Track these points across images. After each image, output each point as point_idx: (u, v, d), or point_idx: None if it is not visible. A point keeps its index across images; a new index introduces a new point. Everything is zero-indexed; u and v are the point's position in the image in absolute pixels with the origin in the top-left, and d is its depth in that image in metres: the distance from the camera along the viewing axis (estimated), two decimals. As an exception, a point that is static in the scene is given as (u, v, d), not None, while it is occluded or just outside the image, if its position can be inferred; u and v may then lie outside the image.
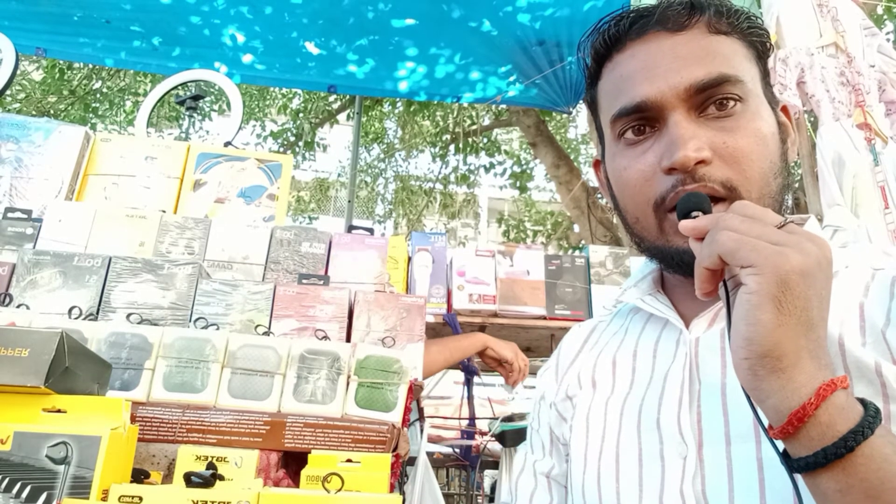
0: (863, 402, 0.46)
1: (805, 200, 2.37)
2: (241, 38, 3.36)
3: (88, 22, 3.20)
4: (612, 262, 2.07)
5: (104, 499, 0.65)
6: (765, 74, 0.69)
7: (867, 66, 2.21)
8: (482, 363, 1.96)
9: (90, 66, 6.41)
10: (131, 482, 0.70)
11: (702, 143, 0.61)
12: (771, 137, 0.64)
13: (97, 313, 1.09)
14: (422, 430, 1.83)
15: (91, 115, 7.11)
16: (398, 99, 6.87)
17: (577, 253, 2.96)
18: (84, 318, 1.05)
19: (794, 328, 0.46)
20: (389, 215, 9.16)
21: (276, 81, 4.75)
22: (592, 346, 0.79)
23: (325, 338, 1.10)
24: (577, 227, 6.64)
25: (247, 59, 3.47)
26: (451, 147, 7.57)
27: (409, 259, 2.01)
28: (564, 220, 8.36)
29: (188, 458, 0.79)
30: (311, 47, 3.42)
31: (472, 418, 2.28)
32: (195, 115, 7.29)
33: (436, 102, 6.16)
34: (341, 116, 7.61)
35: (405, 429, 1.02)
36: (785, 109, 0.70)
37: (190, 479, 0.68)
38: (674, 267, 0.67)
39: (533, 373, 1.86)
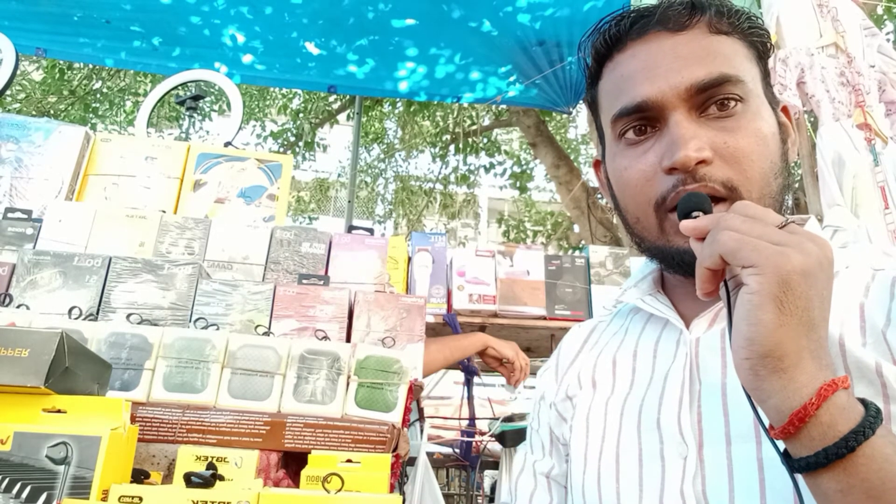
0: (864, 402, 0.46)
1: (805, 200, 2.37)
2: (241, 39, 3.36)
3: (88, 22, 3.20)
4: (612, 263, 2.07)
5: (104, 499, 0.65)
6: (765, 75, 0.69)
7: (867, 66, 2.21)
8: (482, 363, 1.96)
9: (90, 66, 6.41)
10: (131, 482, 0.70)
11: (703, 143, 0.61)
12: (771, 137, 0.64)
13: (97, 313, 1.09)
14: (422, 430, 1.83)
15: (91, 115, 7.11)
16: (398, 99, 6.87)
17: (577, 253, 2.96)
18: (84, 319, 1.04)
19: (796, 328, 0.46)
20: (389, 215, 9.16)
21: (276, 81, 4.75)
22: (592, 346, 0.79)
23: (325, 338, 1.10)
24: (577, 228, 6.64)
25: (247, 59, 3.47)
26: (451, 147, 7.57)
27: (409, 259, 2.01)
28: (564, 221, 8.36)
29: (188, 458, 0.79)
30: (311, 47, 3.42)
31: (472, 418, 2.28)
32: (195, 115, 7.29)
33: (436, 102, 6.16)
34: (341, 116, 7.61)
35: (405, 429, 1.02)
36: (785, 110, 0.70)
37: (190, 480, 0.68)
38: (674, 267, 0.67)
39: (533, 373, 1.86)
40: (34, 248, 1.19)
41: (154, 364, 0.98)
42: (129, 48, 3.38)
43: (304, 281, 1.21)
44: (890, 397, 0.53)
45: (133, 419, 0.88)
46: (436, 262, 1.99)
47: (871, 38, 2.31)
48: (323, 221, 11.79)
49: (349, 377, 1.02)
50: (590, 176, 5.61)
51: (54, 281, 1.11)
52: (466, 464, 2.45)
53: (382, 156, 8.68)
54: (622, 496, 0.63)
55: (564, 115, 6.79)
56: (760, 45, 0.68)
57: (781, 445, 0.48)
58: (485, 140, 7.55)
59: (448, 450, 2.51)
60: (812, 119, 2.35)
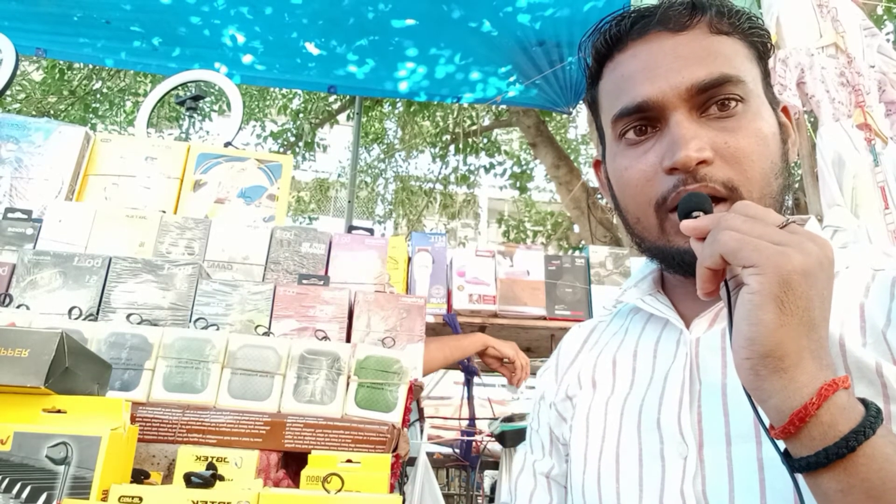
0: (864, 402, 0.46)
1: (805, 200, 2.38)
2: (241, 39, 3.36)
3: (88, 22, 3.20)
4: (612, 263, 2.07)
5: (104, 499, 0.65)
6: (766, 75, 0.69)
7: (867, 66, 2.21)
8: (483, 364, 1.96)
9: (90, 66, 6.41)
10: (131, 482, 0.70)
11: (703, 144, 0.61)
12: (772, 138, 0.64)
13: (97, 314, 1.09)
14: (422, 430, 1.83)
15: (91, 115, 7.11)
16: (398, 99, 6.87)
17: (577, 253, 2.96)
18: (84, 319, 1.04)
19: (796, 328, 0.46)
20: (389, 215, 9.16)
21: (276, 82, 4.75)
22: (592, 346, 0.79)
23: (325, 338, 1.10)
24: (577, 228, 6.64)
25: (247, 59, 3.47)
26: (451, 147, 7.57)
27: (409, 259, 2.01)
28: (564, 221, 8.36)
29: (188, 458, 0.79)
30: (311, 48, 3.42)
31: (472, 418, 2.28)
32: (195, 115, 7.29)
33: (436, 103, 6.16)
34: (341, 117, 7.61)
35: (405, 429, 1.02)
36: (785, 110, 0.70)
37: (190, 480, 0.68)
38: (675, 267, 0.67)
39: (533, 373, 1.86)
40: (34, 248, 1.19)
41: (154, 364, 0.98)
42: (129, 48, 3.38)
43: (304, 281, 1.21)
44: (890, 397, 0.53)
45: (133, 419, 0.88)
46: (436, 262, 1.99)
47: (871, 38, 2.31)
48: (323, 221, 11.79)
49: (349, 377, 1.02)
50: (590, 176, 5.61)
51: (54, 281, 1.11)
52: (466, 464, 2.45)
53: (382, 156, 8.68)
54: (622, 496, 0.63)
55: (564, 116, 6.78)
56: (761, 46, 0.68)
57: (782, 445, 0.48)
58: (485, 140, 7.55)
59: (448, 450, 2.51)
60: (812, 119, 2.35)
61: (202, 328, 1.07)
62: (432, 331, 1.93)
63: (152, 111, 1.77)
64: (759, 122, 0.63)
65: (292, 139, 7.18)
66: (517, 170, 7.91)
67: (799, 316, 0.46)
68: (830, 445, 0.44)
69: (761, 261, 0.47)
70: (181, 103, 7.05)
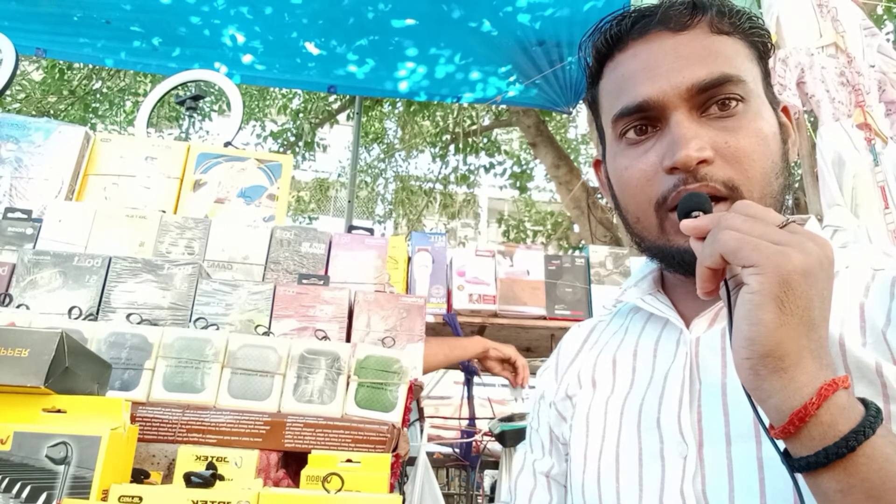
0: (864, 401, 0.46)
1: (805, 200, 2.38)
2: (241, 39, 3.36)
3: (88, 22, 3.20)
4: (612, 262, 2.07)
5: (104, 499, 0.65)
6: (766, 75, 0.69)
7: (867, 66, 2.21)
8: (483, 367, 1.95)
9: (90, 66, 6.41)
10: (131, 482, 0.70)
11: (704, 143, 0.61)
12: (772, 137, 0.64)
13: (97, 313, 1.09)
14: (422, 430, 1.83)
15: (91, 115, 7.11)
16: (398, 99, 6.87)
17: (577, 253, 2.96)
18: (84, 319, 1.04)
19: (796, 328, 0.46)
20: (389, 215, 9.16)
21: (276, 82, 4.75)
22: (592, 345, 0.79)
23: (325, 338, 1.10)
24: (577, 227, 6.64)
25: (247, 59, 3.47)
26: (451, 147, 7.57)
27: (409, 259, 2.01)
28: (564, 220, 8.36)
29: (188, 458, 0.79)
30: (311, 47, 3.42)
31: (472, 418, 2.28)
32: (195, 115, 7.29)
33: (436, 102, 6.16)
34: (341, 116, 7.61)
35: (405, 429, 1.02)
36: (785, 110, 0.70)
37: (190, 479, 0.68)
38: (675, 266, 0.67)
39: (533, 373, 1.86)
40: (34, 248, 1.19)
41: (154, 364, 0.98)
42: (129, 48, 3.38)
43: (304, 281, 1.21)
44: (890, 397, 0.53)
45: (133, 419, 0.88)
46: (436, 261, 1.99)
47: (871, 38, 2.31)
48: (323, 221, 11.80)
49: (349, 377, 1.02)
50: (590, 176, 5.61)
51: (54, 281, 1.11)
52: (466, 464, 2.45)
53: (382, 156, 8.68)
54: (622, 495, 0.63)
55: (564, 115, 6.79)
56: (761, 46, 0.68)
57: (781, 445, 0.48)
58: (485, 140, 7.55)
59: (448, 450, 2.51)
60: (812, 119, 2.35)
61: (202, 328, 1.07)
62: (432, 331, 1.93)
63: (152, 111, 1.77)
64: (760, 121, 0.63)
65: (292, 139, 7.18)
66: (517, 170, 7.91)
67: (799, 316, 0.46)
68: (830, 445, 0.44)
69: (761, 260, 0.47)
70: (181, 103, 7.05)
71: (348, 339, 1.16)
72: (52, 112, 6.45)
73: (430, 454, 2.02)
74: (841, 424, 0.44)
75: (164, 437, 0.91)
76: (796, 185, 3.27)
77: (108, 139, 1.46)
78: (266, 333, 1.07)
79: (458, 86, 3.67)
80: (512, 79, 3.58)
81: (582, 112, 6.57)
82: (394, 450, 0.95)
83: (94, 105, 7.18)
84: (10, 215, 1.25)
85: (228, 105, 2.31)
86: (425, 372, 1.36)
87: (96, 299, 1.11)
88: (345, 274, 1.30)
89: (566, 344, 0.84)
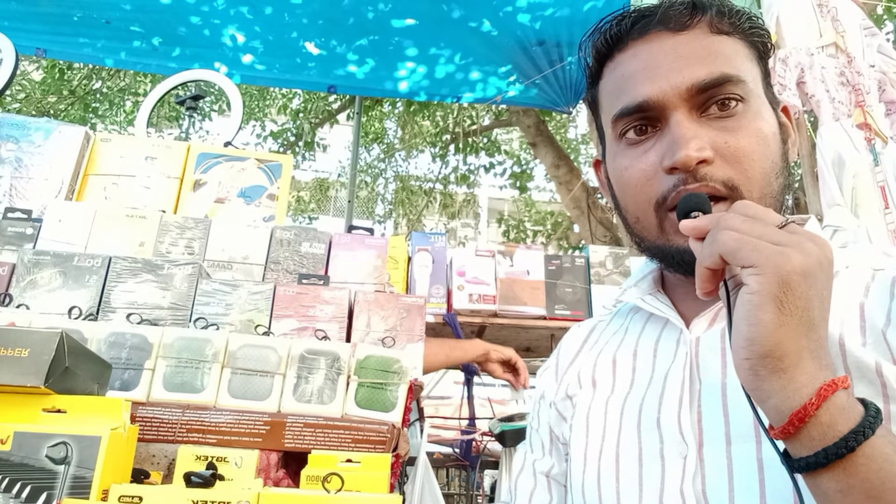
0: (863, 402, 0.46)
1: (805, 200, 2.37)
2: (241, 39, 3.36)
3: (88, 22, 3.20)
4: (612, 262, 2.07)
5: (104, 499, 0.65)
6: (766, 75, 0.69)
7: (867, 66, 2.21)
8: (483, 370, 1.95)
9: (90, 66, 6.41)
10: (131, 482, 0.70)
11: (703, 143, 0.61)
12: (772, 137, 0.64)
13: (97, 313, 1.09)
14: (422, 430, 1.83)
15: (91, 115, 7.11)
16: (398, 99, 6.87)
17: (577, 253, 2.96)
18: (84, 318, 1.04)
19: (796, 328, 0.46)
20: (389, 215, 9.16)
21: (276, 82, 4.75)
22: (592, 345, 0.79)
23: (325, 338, 1.10)
24: (577, 227, 6.64)
25: (247, 59, 3.46)
26: (451, 147, 7.57)
27: (409, 259, 2.01)
28: (564, 220, 8.36)
29: (188, 458, 0.79)
30: (311, 47, 3.42)
31: (472, 418, 2.28)
32: (195, 115, 7.29)
33: (436, 102, 6.16)
34: (341, 116, 7.61)
35: (405, 429, 1.02)
36: (785, 110, 0.70)
37: (190, 479, 0.68)
38: (674, 266, 0.67)
39: (533, 373, 1.86)
40: (34, 248, 1.19)
41: (154, 364, 0.98)
42: (129, 48, 3.38)
43: (304, 281, 1.21)
44: (890, 397, 0.53)
45: (133, 419, 0.88)
46: (436, 261, 1.99)
47: (871, 37, 2.31)
48: (323, 221, 11.79)
49: (349, 377, 1.02)
50: (590, 176, 5.61)
51: (54, 281, 1.11)
52: (466, 464, 2.45)
53: (382, 156, 8.68)
54: (622, 495, 0.63)
55: (564, 115, 6.79)
56: (761, 46, 0.68)
57: (781, 445, 0.48)
58: (485, 140, 7.55)
59: (448, 450, 2.51)
60: (812, 119, 2.35)
61: (202, 328, 1.07)
62: (432, 331, 1.93)
63: (152, 111, 1.77)
64: (760, 121, 0.63)
65: (292, 139, 7.18)
66: (517, 169, 7.91)
67: (798, 316, 0.46)
68: (830, 446, 0.44)
69: (760, 261, 0.47)
70: (181, 103, 7.05)
71: (348, 339, 1.16)
72: (52, 112, 6.45)
73: (430, 454, 2.02)
74: (840, 425, 0.44)
75: (164, 437, 0.91)
76: (796, 185, 3.27)
77: (108, 139, 1.46)
78: (266, 333, 1.07)
79: (458, 86, 3.67)
80: (512, 79, 3.58)
81: (582, 112, 6.57)
82: (394, 450, 0.95)
83: (94, 105, 7.18)
84: (10, 215, 1.25)
85: (228, 105, 2.31)
86: (425, 372, 1.36)
87: (96, 299, 1.11)
88: (345, 274, 1.30)
89: (566, 344, 0.84)
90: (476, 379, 2.24)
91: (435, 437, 2.46)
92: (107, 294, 1.11)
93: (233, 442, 0.91)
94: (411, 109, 7.17)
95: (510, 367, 1.87)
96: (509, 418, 2.03)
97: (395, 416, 1.01)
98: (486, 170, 7.76)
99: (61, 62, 6.31)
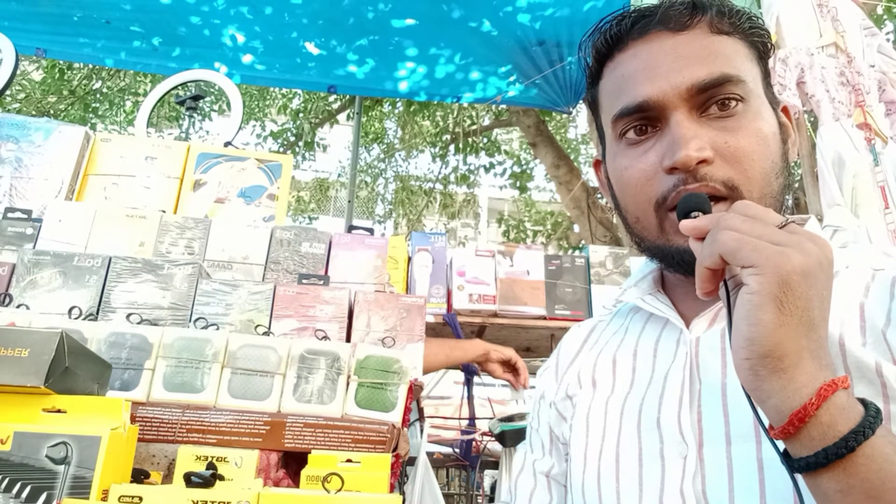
0: (863, 402, 0.46)
1: (805, 200, 2.37)
2: (241, 39, 3.36)
3: (88, 22, 3.20)
4: (612, 262, 2.07)
5: (104, 499, 0.65)
6: (766, 75, 0.69)
7: (867, 66, 2.21)
8: (484, 370, 1.95)
9: (90, 66, 6.41)
10: (131, 482, 0.70)
11: (703, 143, 0.61)
12: (772, 137, 0.64)
13: (97, 313, 1.09)
14: (422, 430, 1.83)
15: (91, 115, 7.11)
16: (398, 99, 6.87)
17: (577, 253, 2.96)
18: (84, 318, 1.04)
19: (796, 328, 0.46)
20: (389, 215, 9.16)
21: (276, 82, 4.75)
22: (592, 345, 0.79)
23: (325, 338, 1.10)
24: (577, 227, 6.64)
25: (247, 59, 3.46)
26: (451, 147, 7.57)
27: (409, 259, 2.01)
28: (564, 220, 8.36)
29: (188, 458, 0.79)
30: (311, 47, 3.42)
31: (472, 418, 2.28)
32: (195, 115, 7.29)
33: (436, 102, 6.16)
34: (341, 116, 7.61)
35: (405, 429, 1.02)
36: (785, 110, 0.70)
37: (190, 479, 0.68)
38: (674, 266, 0.67)
39: (533, 373, 1.86)
40: (34, 248, 1.19)
41: (154, 364, 0.98)
42: (129, 48, 3.38)
43: (304, 281, 1.21)
44: (890, 397, 0.53)
45: (133, 419, 0.88)
46: (436, 261, 1.99)
47: (871, 37, 2.30)
48: (323, 221, 11.79)
49: (349, 377, 1.02)
50: (590, 176, 5.61)
51: (54, 281, 1.11)
52: (466, 464, 2.45)
53: (382, 156, 8.68)
54: (622, 495, 0.63)
55: (564, 115, 6.79)
56: (761, 46, 0.68)
57: (781, 445, 0.48)
58: (485, 140, 7.55)
59: (448, 450, 2.51)
60: (812, 119, 2.35)
61: (202, 328, 1.07)
62: (432, 331, 1.93)
63: (152, 111, 1.77)
64: (760, 121, 0.63)
65: (292, 139, 7.18)
66: (517, 169, 7.91)
67: (798, 316, 0.46)
68: (830, 446, 0.44)
69: (760, 261, 0.47)
70: (181, 103, 7.05)
71: (348, 339, 1.16)
72: (52, 112, 6.45)
73: (430, 454, 2.02)
74: (840, 425, 0.44)
75: (164, 437, 0.91)
76: (796, 185, 3.27)
77: (108, 139, 1.46)
78: (266, 333, 1.07)
79: (458, 86, 3.67)
80: (512, 79, 3.58)
81: (582, 112, 6.57)
82: (394, 450, 0.95)
83: (94, 105, 7.18)
84: (10, 215, 1.25)
85: (228, 105, 2.31)
86: (425, 373, 1.36)
87: (96, 299, 1.11)
88: (345, 274, 1.30)
89: (566, 344, 0.84)
90: (476, 379, 2.24)
91: (435, 437, 2.46)
92: (107, 294, 1.11)
93: (233, 442, 0.91)
94: (411, 109, 7.17)
95: (510, 367, 1.87)
96: (509, 418, 2.03)
97: (395, 416, 1.01)
98: (486, 170, 7.76)
99: (61, 62, 6.32)
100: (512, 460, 1.31)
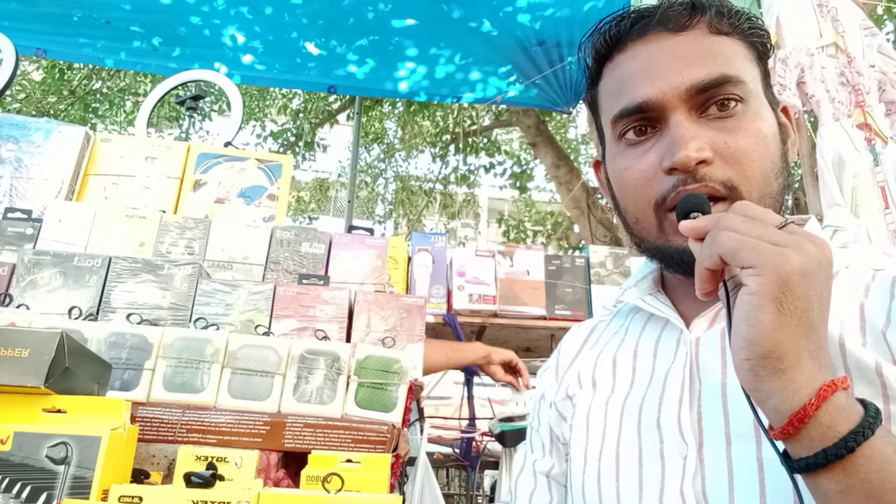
0: (863, 402, 0.46)
1: (805, 200, 2.37)
2: (241, 39, 3.36)
3: (88, 22, 3.20)
4: (612, 263, 2.07)
5: (104, 499, 0.65)
6: (765, 75, 0.69)
7: (867, 66, 2.21)
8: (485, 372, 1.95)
9: (90, 66, 6.41)
10: (131, 482, 0.70)
11: (703, 144, 0.61)
12: (772, 138, 0.64)
13: (97, 313, 1.09)
14: (422, 430, 1.83)
15: (91, 115, 7.11)
16: (398, 99, 6.87)
17: (577, 253, 2.96)
18: (84, 319, 1.04)
19: (795, 329, 0.46)
20: (389, 215, 9.16)
21: (276, 82, 4.75)
22: (592, 345, 0.80)
23: (325, 338, 1.10)
24: (577, 228, 6.64)
25: (247, 59, 3.47)
26: (451, 147, 7.57)
27: (409, 259, 2.01)
28: (564, 220, 8.36)
29: (188, 458, 0.79)
30: (311, 47, 3.42)
31: (472, 418, 2.28)
32: (195, 115, 7.29)
33: (436, 102, 6.16)
34: (341, 116, 7.61)
35: (405, 429, 1.02)
36: (785, 110, 0.70)
37: (190, 480, 0.68)
38: (674, 266, 0.67)
39: (533, 373, 1.86)
40: (34, 248, 1.19)
41: (154, 364, 0.98)
42: (129, 48, 3.38)
43: (304, 281, 1.21)
44: (890, 397, 0.53)
45: (133, 419, 0.88)
46: (436, 262, 1.99)
47: (871, 37, 2.31)
48: (323, 221, 11.79)
49: (349, 377, 1.02)
50: (590, 176, 5.61)
51: (54, 281, 1.11)
52: (466, 464, 2.45)
53: (382, 156, 8.68)
54: (622, 495, 0.64)
55: (564, 115, 6.79)
56: (760, 46, 0.68)
57: (781, 446, 0.48)
58: (485, 140, 7.55)
59: (448, 450, 2.51)
60: (812, 119, 2.35)
61: (202, 328, 1.07)
62: (432, 331, 1.93)
63: (152, 111, 1.77)
64: (759, 122, 0.63)
65: (292, 139, 7.18)
66: (517, 170, 7.92)
67: (797, 317, 0.46)
68: (829, 446, 0.44)
69: (760, 261, 0.47)
70: (181, 103, 7.05)
71: (348, 340, 1.16)
72: (52, 112, 6.45)
73: (430, 454, 2.02)
74: (840, 425, 0.44)
75: (164, 437, 0.91)
76: (796, 185, 3.27)
77: (108, 139, 1.46)
78: (266, 333, 1.07)
79: (458, 86, 3.67)
80: (512, 79, 3.59)
81: (582, 112, 6.57)
82: (394, 450, 0.95)
83: (94, 105, 7.18)
84: (10, 215, 1.25)
85: (228, 105, 2.31)
86: (425, 374, 1.36)
87: (96, 299, 1.11)
88: (345, 274, 1.30)
89: (566, 344, 0.84)
90: (476, 379, 2.24)
91: (435, 437, 2.47)
92: (107, 294, 1.11)
93: (233, 442, 0.91)
94: (411, 109, 7.17)
95: (511, 368, 1.87)
96: (509, 418, 2.03)
97: (395, 417, 1.01)
98: (486, 170, 7.76)
99: (61, 62, 6.32)
100: (512, 460, 1.31)
